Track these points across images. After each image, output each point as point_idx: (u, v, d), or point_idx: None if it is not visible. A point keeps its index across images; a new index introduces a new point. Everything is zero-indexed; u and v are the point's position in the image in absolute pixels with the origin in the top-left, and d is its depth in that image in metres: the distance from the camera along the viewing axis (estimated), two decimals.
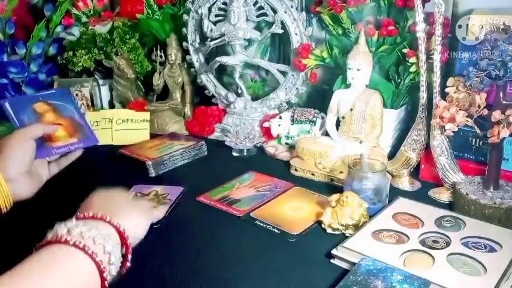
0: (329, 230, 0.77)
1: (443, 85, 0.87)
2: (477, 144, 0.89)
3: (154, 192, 0.93)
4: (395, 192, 0.88)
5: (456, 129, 0.83)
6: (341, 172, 0.95)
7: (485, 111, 0.78)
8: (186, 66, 1.34)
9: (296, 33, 1.13)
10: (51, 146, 0.80)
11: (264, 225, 0.80)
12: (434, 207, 0.81)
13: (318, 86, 1.21)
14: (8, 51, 1.34)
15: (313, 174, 0.99)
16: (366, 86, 1.00)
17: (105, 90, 1.39)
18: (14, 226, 0.80)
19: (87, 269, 0.49)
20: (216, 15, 1.21)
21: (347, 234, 0.75)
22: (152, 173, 1.03)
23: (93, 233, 0.51)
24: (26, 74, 1.35)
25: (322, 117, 1.11)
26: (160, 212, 0.78)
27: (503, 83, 0.77)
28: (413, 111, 0.99)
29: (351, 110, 1.00)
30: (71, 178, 0.92)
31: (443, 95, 0.87)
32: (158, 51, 1.35)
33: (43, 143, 0.78)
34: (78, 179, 0.99)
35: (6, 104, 0.82)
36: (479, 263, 0.65)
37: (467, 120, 0.81)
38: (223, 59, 1.19)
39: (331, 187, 0.94)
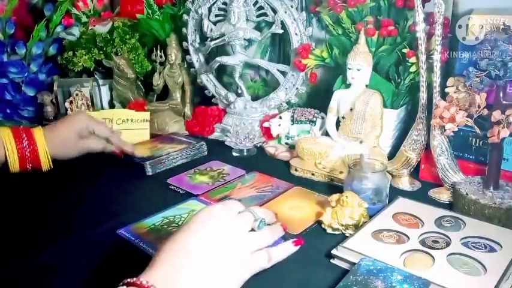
0: (329, 230, 0.77)
1: (443, 85, 0.87)
2: (477, 144, 0.89)
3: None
4: (395, 192, 0.88)
5: (456, 129, 0.83)
6: (341, 172, 0.95)
7: (485, 111, 0.78)
8: (186, 66, 1.34)
9: (296, 33, 1.13)
10: None
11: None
12: (434, 207, 0.81)
13: (317, 86, 1.21)
14: (8, 51, 1.35)
15: (313, 174, 0.99)
16: (366, 86, 1.00)
17: (105, 90, 1.39)
18: (12, 222, 0.80)
19: None
20: (216, 15, 1.21)
21: (347, 234, 0.75)
22: (149, 171, 1.03)
23: None
24: (26, 74, 1.35)
25: (322, 117, 1.11)
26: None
27: (503, 83, 0.77)
28: (413, 111, 0.99)
29: (351, 110, 1.00)
30: (71, 176, 0.92)
31: (443, 95, 0.87)
32: (158, 51, 1.34)
33: None
34: (78, 177, 1.00)
35: None
36: (479, 263, 0.65)
37: (467, 120, 0.81)
38: (223, 59, 1.19)
39: (331, 187, 0.94)
